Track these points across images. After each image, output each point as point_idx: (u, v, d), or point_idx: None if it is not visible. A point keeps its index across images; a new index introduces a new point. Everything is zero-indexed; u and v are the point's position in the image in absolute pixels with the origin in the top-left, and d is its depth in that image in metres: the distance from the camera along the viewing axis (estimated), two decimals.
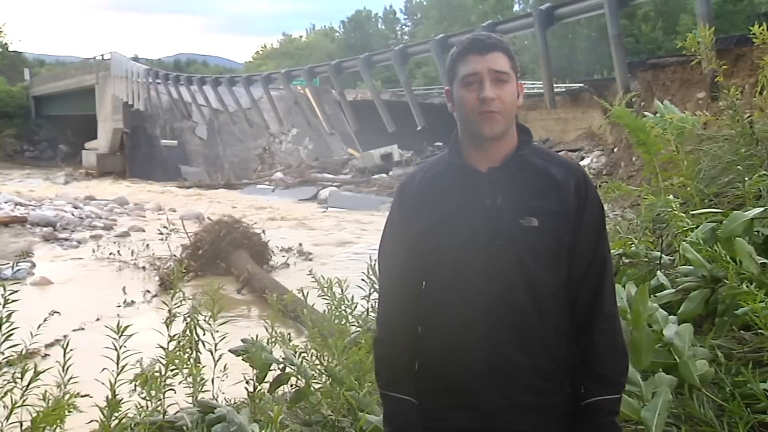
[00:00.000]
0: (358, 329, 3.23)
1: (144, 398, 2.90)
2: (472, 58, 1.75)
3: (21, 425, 2.62)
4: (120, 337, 2.75)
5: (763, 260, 2.78)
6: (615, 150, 25.52)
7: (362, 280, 3.47)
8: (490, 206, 1.74)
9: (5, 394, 2.60)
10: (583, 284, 1.79)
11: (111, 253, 14.85)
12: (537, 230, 1.72)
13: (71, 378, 2.77)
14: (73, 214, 20.50)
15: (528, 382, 1.75)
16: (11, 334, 2.64)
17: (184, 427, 2.83)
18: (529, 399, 1.76)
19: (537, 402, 1.76)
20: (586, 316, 1.79)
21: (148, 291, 11.86)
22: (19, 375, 2.63)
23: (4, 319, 2.62)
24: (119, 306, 10.95)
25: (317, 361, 3.14)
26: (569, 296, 1.79)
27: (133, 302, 11.29)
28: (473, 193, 1.76)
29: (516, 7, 54.84)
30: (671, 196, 3.52)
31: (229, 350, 2.97)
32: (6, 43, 63.97)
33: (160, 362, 2.95)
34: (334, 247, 16.80)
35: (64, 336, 5.14)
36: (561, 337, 1.77)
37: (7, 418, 2.55)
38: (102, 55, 40.98)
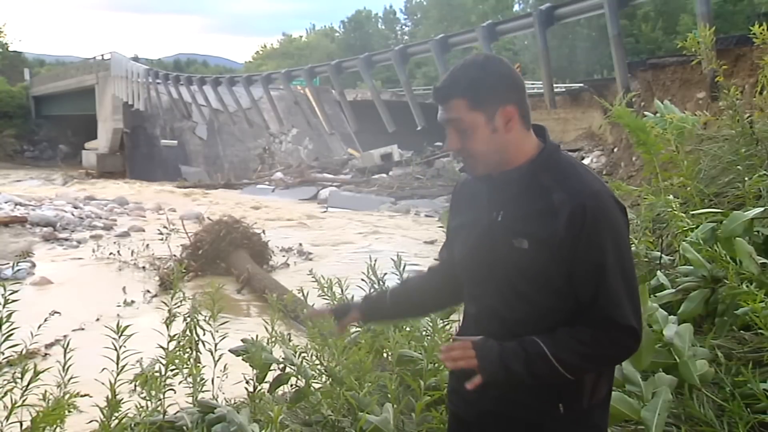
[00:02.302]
0: (358, 329, 3.23)
1: (144, 398, 2.89)
2: (438, 106, 1.73)
3: (21, 425, 2.62)
4: (120, 337, 2.74)
5: (763, 260, 2.79)
6: (615, 150, 25.49)
7: (362, 280, 3.47)
8: (492, 221, 1.75)
9: (5, 394, 2.60)
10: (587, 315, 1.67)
11: (111, 253, 14.83)
12: (526, 252, 1.67)
13: (71, 378, 2.77)
14: (73, 214, 20.45)
15: (511, 396, 1.73)
16: (11, 334, 2.63)
17: (184, 427, 2.83)
18: (514, 412, 1.74)
19: (522, 417, 1.74)
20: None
21: (148, 291, 11.84)
22: (19, 375, 2.63)
23: (4, 319, 2.62)
24: (119, 306, 10.93)
25: (317, 361, 3.14)
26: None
27: (133, 302, 11.27)
28: (484, 205, 1.78)
29: (516, 7, 54.89)
30: (671, 196, 3.53)
31: (229, 350, 2.97)
32: (6, 43, 64.01)
33: (160, 362, 2.95)
34: (334, 247, 16.76)
35: (64, 336, 5.14)
36: None
37: (7, 418, 2.55)
38: (102, 55, 40.94)
